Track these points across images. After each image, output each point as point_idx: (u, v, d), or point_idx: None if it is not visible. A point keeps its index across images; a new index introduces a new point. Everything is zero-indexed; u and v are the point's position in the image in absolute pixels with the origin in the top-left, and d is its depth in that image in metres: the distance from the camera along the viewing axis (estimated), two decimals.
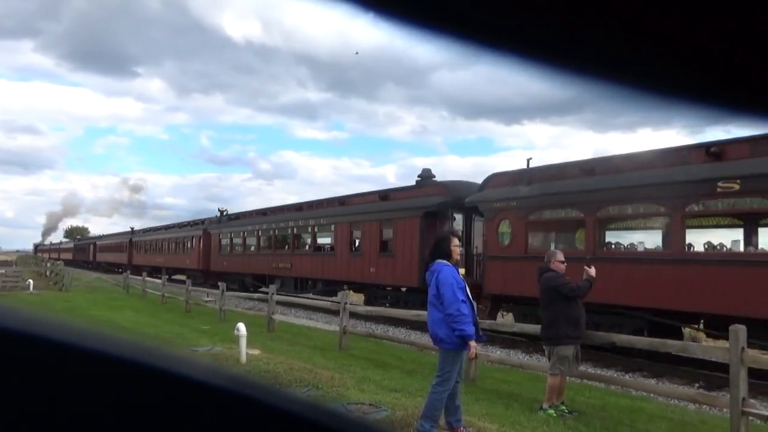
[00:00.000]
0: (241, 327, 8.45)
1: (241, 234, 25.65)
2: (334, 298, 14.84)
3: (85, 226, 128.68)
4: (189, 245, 30.93)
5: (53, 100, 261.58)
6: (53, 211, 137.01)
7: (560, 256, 6.56)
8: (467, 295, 5.10)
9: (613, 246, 11.87)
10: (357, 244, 18.21)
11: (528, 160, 12.99)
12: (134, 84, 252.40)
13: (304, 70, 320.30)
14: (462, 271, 6.28)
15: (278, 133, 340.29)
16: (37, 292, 23.31)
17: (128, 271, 28.64)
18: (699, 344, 7.84)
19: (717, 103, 0.34)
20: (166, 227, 38.13)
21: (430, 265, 5.25)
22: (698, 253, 10.24)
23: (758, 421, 5.80)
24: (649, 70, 0.34)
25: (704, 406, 7.34)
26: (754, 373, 6.79)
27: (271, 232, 23.20)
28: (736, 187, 9.16)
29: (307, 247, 21.23)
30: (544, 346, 6.75)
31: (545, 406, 6.32)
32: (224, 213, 29.14)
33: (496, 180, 13.81)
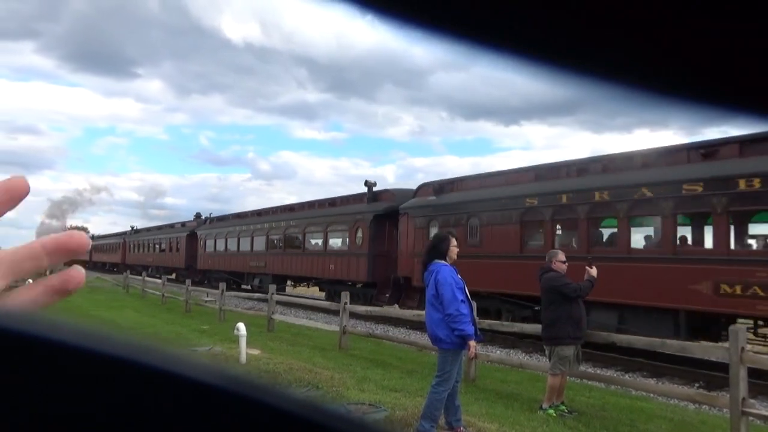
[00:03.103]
0: (241, 327, 8.44)
1: (138, 242, 45.56)
2: (334, 303, 17.13)
3: (86, 226, 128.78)
4: (117, 248, 51.06)
5: (53, 100, 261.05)
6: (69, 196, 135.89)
7: (561, 256, 6.46)
8: (466, 294, 5.09)
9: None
10: (170, 247, 37.01)
11: (210, 213, 33.95)
12: (133, 85, 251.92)
13: (303, 71, 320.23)
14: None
15: (277, 133, 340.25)
16: None
17: (128, 271, 35.84)
18: (698, 344, 7.84)
19: (716, 103, 0.34)
20: (112, 235, 59.56)
21: (428, 265, 5.22)
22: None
23: (758, 422, 5.80)
24: (648, 69, 0.33)
25: (704, 406, 7.33)
26: (754, 373, 6.79)
27: (148, 241, 42.51)
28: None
29: (159, 249, 39.81)
30: (544, 346, 6.73)
31: (545, 405, 6.31)
32: (133, 228, 49.59)
33: (208, 221, 32.46)
